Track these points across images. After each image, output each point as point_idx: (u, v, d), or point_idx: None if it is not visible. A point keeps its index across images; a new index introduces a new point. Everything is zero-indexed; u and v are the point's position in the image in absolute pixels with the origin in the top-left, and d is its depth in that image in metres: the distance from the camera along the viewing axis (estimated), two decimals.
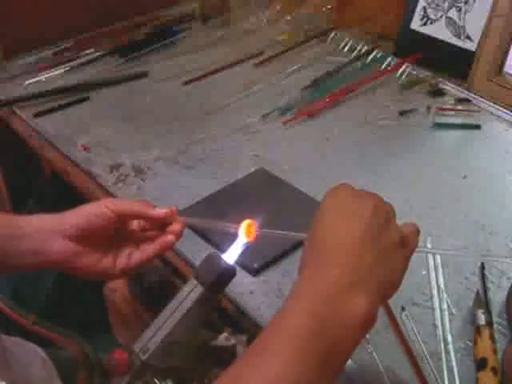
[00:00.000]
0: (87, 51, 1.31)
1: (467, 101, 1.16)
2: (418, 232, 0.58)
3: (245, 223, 0.62)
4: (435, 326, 0.74)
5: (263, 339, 0.48)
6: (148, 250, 0.68)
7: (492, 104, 1.15)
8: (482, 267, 0.81)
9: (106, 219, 0.65)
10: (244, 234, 0.62)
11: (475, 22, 1.18)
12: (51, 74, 1.24)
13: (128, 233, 0.69)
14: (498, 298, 0.77)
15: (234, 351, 0.69)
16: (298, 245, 0.80)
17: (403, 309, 0.75)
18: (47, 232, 0.64)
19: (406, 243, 0.55)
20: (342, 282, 0.49)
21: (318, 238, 0.53)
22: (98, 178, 0.98)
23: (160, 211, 0.67)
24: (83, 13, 1.33)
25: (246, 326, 0.75)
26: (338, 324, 0.47)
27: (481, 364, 0.68)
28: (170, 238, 0.68)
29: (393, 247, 0.53)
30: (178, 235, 0.68)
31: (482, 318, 0.72)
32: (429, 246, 0.85)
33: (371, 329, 0.50)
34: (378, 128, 1.11)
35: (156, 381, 0.62)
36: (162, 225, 0.68)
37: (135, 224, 0.69)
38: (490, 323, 0.72)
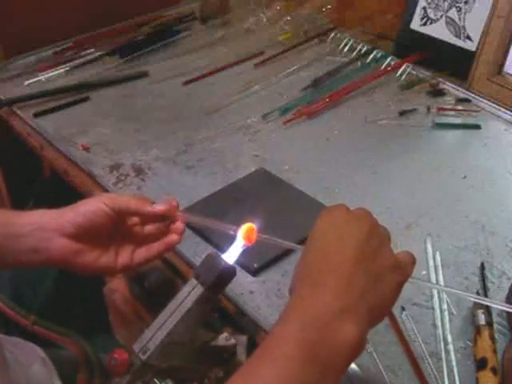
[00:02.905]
0: (87, 51, 1.31)
1: (467, 101, 1.16)
2: (414, 262, 0.56)
3: (245, 227, 0.62)
4: (435, 325, 0.74)
5: (253, 365, 0.48)
6: (152, 249, 0.68)
7: (492, 104, 1.15)
8: (482, 267, 0.81)
9: (104, 216, 0.65)
10: (243, 237, 0.62)
11: (475, 22, 1.18)
12: (51, 73, 1.24)
13: (128, 228, 0.69)
14: (497, 298, 0.77)
15: (234, 351, 0.69)
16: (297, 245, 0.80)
17: (403, 309, 0.75)
18: (46, 230, 0.64)
19: (400, 269, 0.54)
20: (332, 309, 0.49)
21: (311, 260, 0.53)
22: (97, 178, 0.98)
23: (159, 208, 0.67)
24: (83, 13, 1.33)
25: (246, 326, 0.75)
26: (327, 351, 0.47)
27: (481, 364, 0.68)
28: (174, 237, 0.68)
29: (385, 271, 0.53)
30: (182, 234, 0.68)
31: (481, 318, 0.72)
32: (429, 246, 0.85)
33: (361, 353, 0.50)
34: (378, 128, 1.11)
35: (156, 381, 0.62)
36: (161, 218, 0.68)
37: (134, 219, 0.69)
38: (489, 323, 0.72)
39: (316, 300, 0.50)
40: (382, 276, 0.52)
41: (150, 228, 0.69)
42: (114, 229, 0.67)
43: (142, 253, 0.68)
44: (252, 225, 0.62)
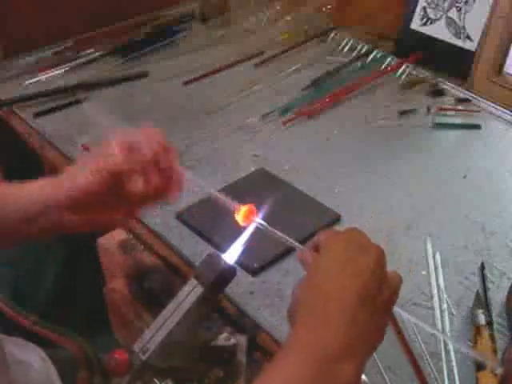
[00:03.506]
0: (87, 51, 1.31)
1: (467, 101, 1.16)
2: (401, 282, 0.57)
3: (246, 207, 0.62)
4: (435, 326, 0.74)
5: None
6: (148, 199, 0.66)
7: (492, 104, 1.15)
8: (482, 267, 0.81)
9: (100, 185, 0.63)
10: (241, 216, 0.61)
11: (475, 22, 1.18)
12: (51, 74, 1.23)
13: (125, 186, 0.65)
14: (498, 298, 0.77)
15: (234, 351, 0.69)
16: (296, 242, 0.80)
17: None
18: (44, 204, 0.64)
19: (396, 295, 0.55)
20: (332, 349, 0.49)
21: (314, 296, 0.53)
22: None
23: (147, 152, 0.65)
24: (83, 13, 1.33)
25: (245, 326, 0.75)
26: None
27: (481, 364, 0.68)
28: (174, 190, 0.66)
29: (384, 306, 0.53)
30: (181, 187, 0.67)
31: (481, 318, 0.72)
32: (429, 246, 0.85)
33: None
34: (378, 128, 1.11)
35: (156, 381, 0.62)
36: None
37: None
38: (490, 323, 0.72)
39: (317, 339, 0.50)
40: (382, 310, 0.53)
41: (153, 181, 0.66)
42: (112, 188, 0.65)
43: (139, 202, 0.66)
44: (253, 207, 0.62)
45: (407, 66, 1.24)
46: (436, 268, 0.81)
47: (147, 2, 1.44)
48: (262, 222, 0.62)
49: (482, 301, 0.75)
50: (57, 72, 1.25)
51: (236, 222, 0.62)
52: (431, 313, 0.76)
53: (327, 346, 0.49)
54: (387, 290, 0.54)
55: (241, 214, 0.62)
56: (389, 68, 1.25)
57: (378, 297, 0.53)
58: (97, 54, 1.30)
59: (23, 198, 0.66)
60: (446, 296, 0.77)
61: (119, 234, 0.90)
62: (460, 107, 1.15)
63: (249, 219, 0.62)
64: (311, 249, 0.61)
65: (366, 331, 0.51)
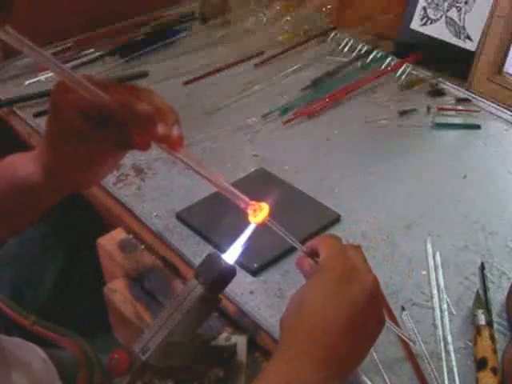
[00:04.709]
0: (87, 51, 1.31)
1: (467, 101, 1.16)
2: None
3: (262, 207, 0.61)
4: (435, 326, 0.74)
5: None
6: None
7: (492, 104, 1.15)
8: (482, 267, 0.81)
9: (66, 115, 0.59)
10: (253, 214, 0.61)
11: (475, 21, 1.18)
12: (51, 73, 1.23)
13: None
14: (498, 298, 0.77)
15: (234, 351, 0.69)
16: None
17: (403, 309, 0.75)
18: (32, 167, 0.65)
19: (384, 322, 0.55)
20: (314, 378, 0.50)
21: (300, 321, 0.53)
22: None
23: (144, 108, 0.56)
24: (83, 13, 1.33)
25: (246, 325, 0.75)
26: None
27: (481, 364, 0.68)
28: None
29: (372, 332, 0.54)
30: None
31: (481, 318, 0.72)
32: (429, 246, 0.85)
33: None
34: (378, 128, 1.11)
35: (156, 381, 0.62)
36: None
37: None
38: (490, 323, 0.72)
39: (297, 367, 0.50)
40: (368, 336, 0.54)
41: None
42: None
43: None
44: (268, 208, 0.61)
45: (407, 66, 1.24)
46: (436, 268, 0.81)
47: (147, 2, 1.44)
48: (275, 224, 0.62)
49: (482, 301, 0.75)
50: None
51: (245, 219, 0.61)
52: (431, 313, 0.76)
53: (305, 375, 0.50)
54: (378, 316, 0.55)
55: (260, 214, 0.60)
56: (389, 68, 1.25)
57: (368, 325, 0.53)
58: (97, 53, 1.30)
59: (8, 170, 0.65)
60: (445, 296, 0.77)
61: (119, 234, 0.90)
62: (460, 107, 1.15)
63: (263, 219, 0.61)
64: (309, 250, 0.61)
65: (349, 357, 0.52)
